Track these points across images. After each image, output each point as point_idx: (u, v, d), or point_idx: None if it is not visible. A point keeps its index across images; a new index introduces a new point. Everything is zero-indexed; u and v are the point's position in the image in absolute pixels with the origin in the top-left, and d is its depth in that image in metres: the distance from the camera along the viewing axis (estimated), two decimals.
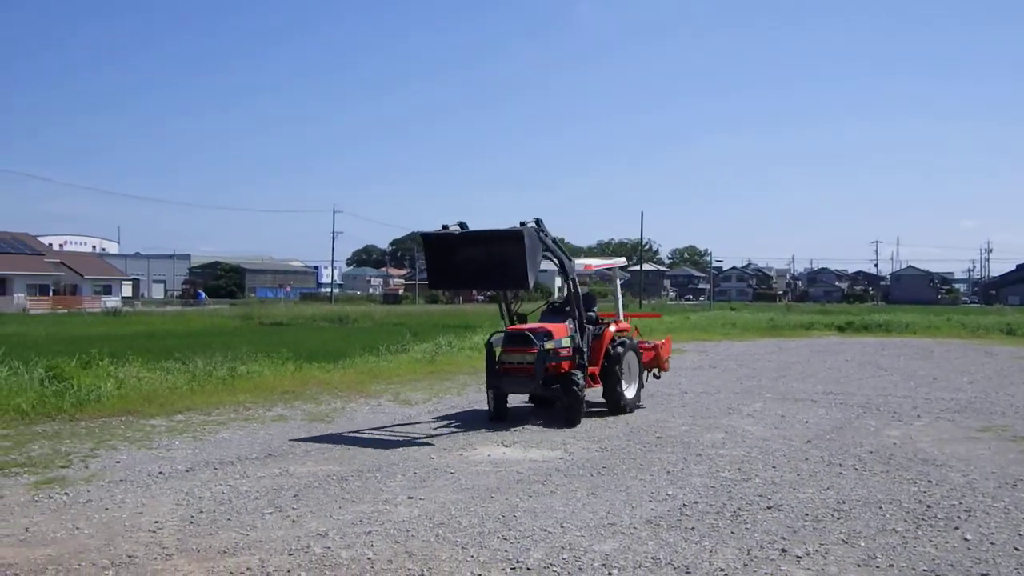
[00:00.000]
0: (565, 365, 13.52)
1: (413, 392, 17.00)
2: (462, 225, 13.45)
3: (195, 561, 6.47)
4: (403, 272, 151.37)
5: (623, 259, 19.26)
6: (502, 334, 14.01)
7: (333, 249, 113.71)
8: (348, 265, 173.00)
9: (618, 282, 17.09)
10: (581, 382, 13.26)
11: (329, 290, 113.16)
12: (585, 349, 13.95)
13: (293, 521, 7.60)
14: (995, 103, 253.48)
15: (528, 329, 13.75)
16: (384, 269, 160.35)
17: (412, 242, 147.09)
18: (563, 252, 13.97)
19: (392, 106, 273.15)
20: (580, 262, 15.37)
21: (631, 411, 14.49)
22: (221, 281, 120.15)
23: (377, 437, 12.03)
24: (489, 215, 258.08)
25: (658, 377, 16.86)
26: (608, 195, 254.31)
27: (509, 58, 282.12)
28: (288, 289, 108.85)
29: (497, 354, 13.64)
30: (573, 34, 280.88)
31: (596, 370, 14.27)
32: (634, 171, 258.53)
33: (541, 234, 13.10)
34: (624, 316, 16.52)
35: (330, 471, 9.66)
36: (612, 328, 14.85)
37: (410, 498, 8.46)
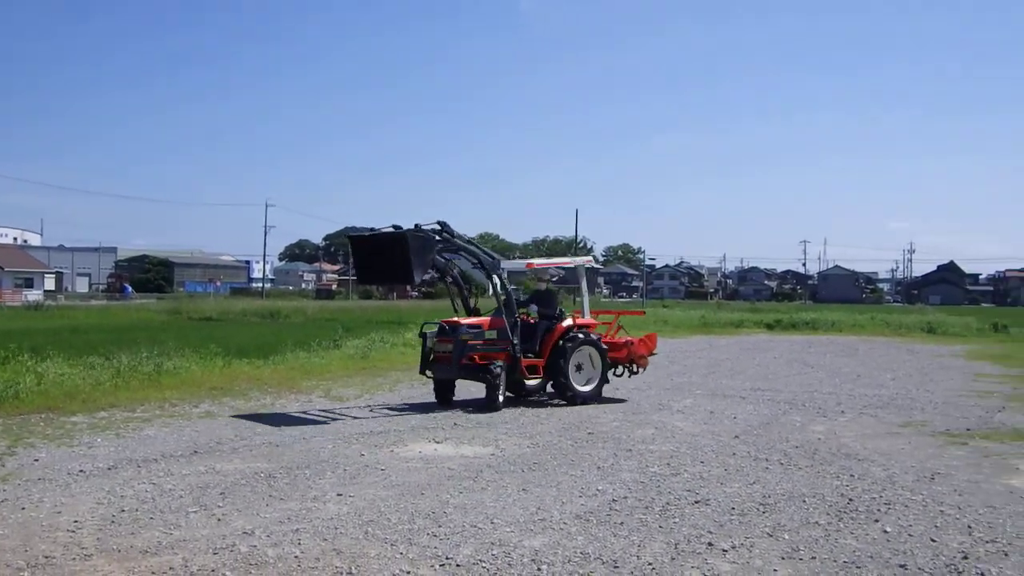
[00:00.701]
0: (498, 356, 14.44)
1: (345, 388, 16.85)
2: (396, 227, 14.48)
3: (115, 561, 6.31)
4: (336, 268, 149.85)
5: (589, 258, 19.55)
6: (436, 325, 15.14)
7: (265, 243, 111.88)
8: (280, 260, 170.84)
9: (584, 280, 17.41)
10: (497, 371, 14.16)
11: (261, 285, 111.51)
12: (516, 341, 14.60)
13: (219, 519, 7.46)
14: (930, 109, 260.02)
15: (452, 322, 14.77)
16: (317, 264, 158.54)
17: (346, 238, 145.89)
18: (481, 251, 15.24)
19: (337, 105, 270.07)
20: (521, 261, 16.41)
21: (587, 403, 14.96)
22: (149, 275, 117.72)
23: (307, 434, 11.88)
24: (429, 212, 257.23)
25: (635, 372, 16.97)
26: (545, 193, 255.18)
27: (457, 60, 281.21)
28: (218, 284, 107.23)
29: (432, 344, 14.77)
30: (521, 36, 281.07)
31: (542, 363, 15.02)
32: (571, 169, 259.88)
33: (445, 235, 14.54)
34: (611, 313, 17.56)
35: (258, 468, 9.51)
36: (566, 323, 15.53)
37: (339, 495, 8.37)
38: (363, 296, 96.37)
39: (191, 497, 8.21)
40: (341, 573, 6.15)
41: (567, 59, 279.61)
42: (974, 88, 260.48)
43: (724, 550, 6.76)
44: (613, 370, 16.17)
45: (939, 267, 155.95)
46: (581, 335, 15.40)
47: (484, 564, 6.34)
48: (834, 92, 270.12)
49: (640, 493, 8.60)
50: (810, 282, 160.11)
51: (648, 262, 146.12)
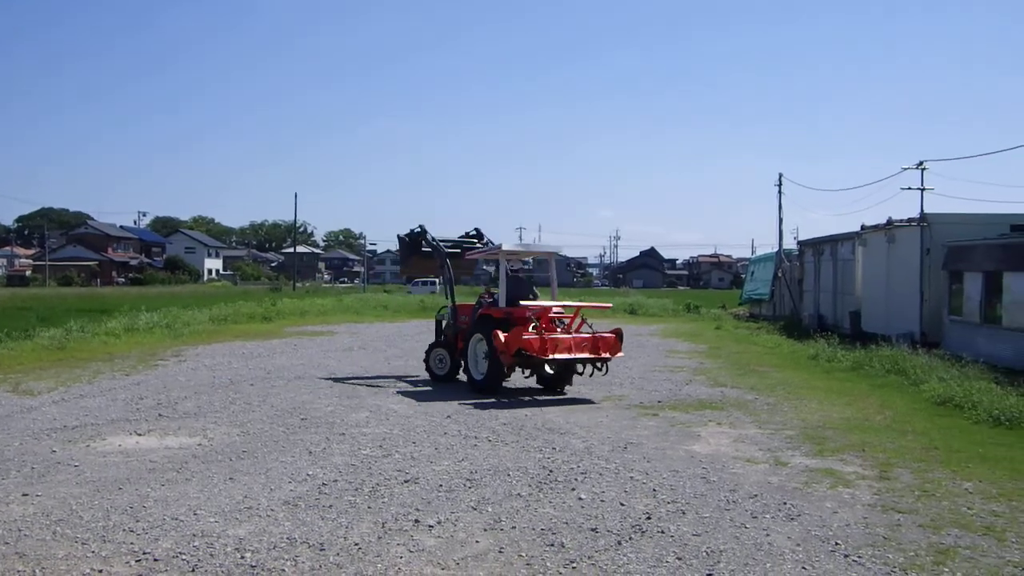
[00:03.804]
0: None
1: (37, 382, 15.55)
2: (421, 227, 17.88)
3: None
4: (31, 252, 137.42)
5: (557, 248, 17.41)
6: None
7: None
8: None
9: (553, 271, 17.65)
10: (432, 348, 16.90)
11: None
12: (444, 323, 17.24)
13: None
14: (635, 105, 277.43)
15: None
16: (9, 248, 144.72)
17: (42, 219, 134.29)
18: (442, 248, 17.52)
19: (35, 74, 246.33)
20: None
21: (484, 392, 14.77)
22: None
23: None
24: (136, 194, 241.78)
25: (550, 376, 15.30)
26: (262, 177, 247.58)
27: (182, 47, 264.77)
28: None
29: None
30: (245, 19, 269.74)
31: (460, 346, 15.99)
32: (288, 152, 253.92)
33: (420, 237, 17.80)
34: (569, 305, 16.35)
35: None
36: (478, 312, 15.88)
37: (25, 495, 7.76)
38: (62, 283, 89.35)
39: None
40: None
41: (289, 42, 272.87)
42: (673, 89, 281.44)
43: (430, 526, 6.95)
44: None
45: (641, 253, 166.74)
46: (480, 324, 15.16)
47: (184, 556, 6.12)
48: (549, 90, 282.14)
49: (351, 476, 8.63)
50: (526, 266, 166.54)
51: (370, 247, 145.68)
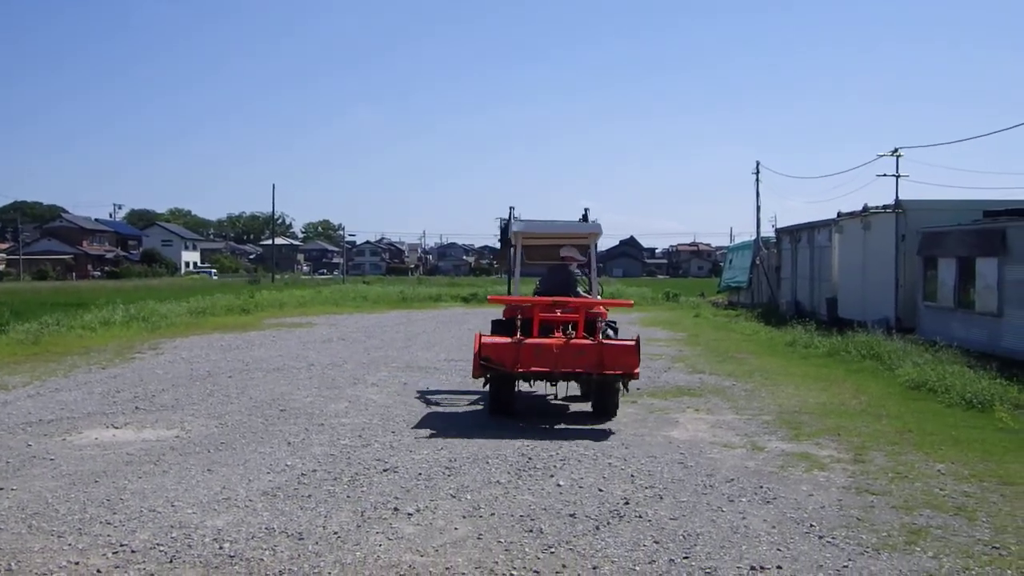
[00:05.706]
0: None
1: (11, 376, 15.41)
2: (510, 209, 15.17)
3: None
4: (5, 246, 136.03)
5: (594, 227, 14.17)
6: None
7: None
8: None
9: (594, 257, 14.31)
10: None
11: None
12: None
13: None
14: (606, 103, 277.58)
15: None
16: None
17: (16, 212, 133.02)
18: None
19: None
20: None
21: (493, 414, 11.75)
22: None
23: None
24: (130, 186, 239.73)
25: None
26: (239, 168, 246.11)
27: (157, 34, 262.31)
28: None
29: None
30: (229, 16, 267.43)
31: None
32: (266, 144, 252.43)
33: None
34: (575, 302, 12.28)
35: None
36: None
37: (0, 489, 7.72)
38: (37, 277, 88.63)
39: None
40: None
41: (266, 35, 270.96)
42: (651, 79, 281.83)
43: (409, 514, 6.97)
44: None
45: (621, 242, 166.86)
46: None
47: (162, 548, 6.11)
48: (528, 82, 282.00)
49: (330, 466, 8.64)
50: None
51: (348, 238, 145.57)
